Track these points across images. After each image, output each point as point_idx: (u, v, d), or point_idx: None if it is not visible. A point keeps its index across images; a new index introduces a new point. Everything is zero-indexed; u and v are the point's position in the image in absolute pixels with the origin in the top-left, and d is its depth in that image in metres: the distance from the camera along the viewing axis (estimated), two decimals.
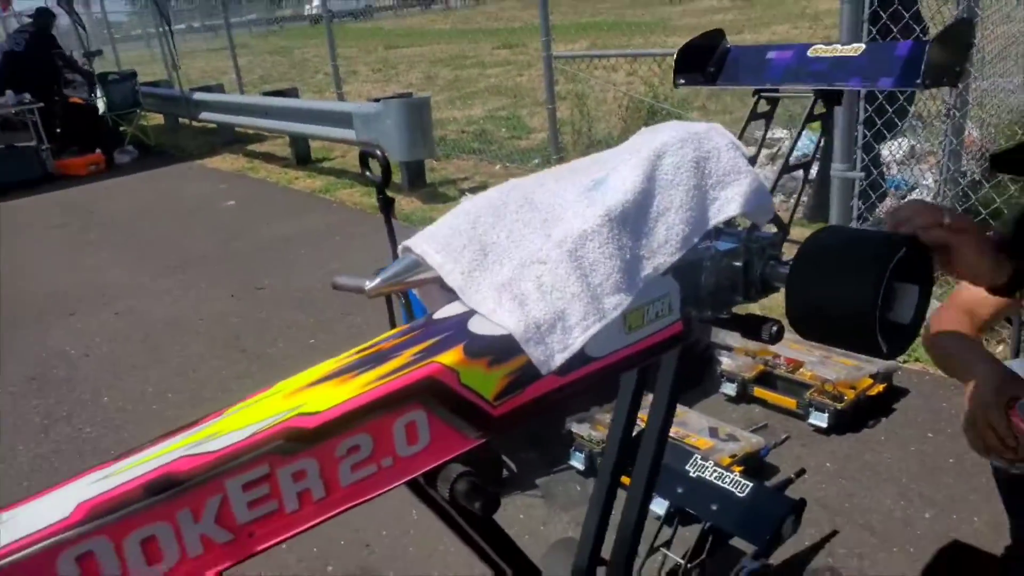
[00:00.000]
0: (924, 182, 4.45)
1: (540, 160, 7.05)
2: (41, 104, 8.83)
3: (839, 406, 2.70)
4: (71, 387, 3.80)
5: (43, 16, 9.73)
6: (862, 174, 3.63)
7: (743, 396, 2.96)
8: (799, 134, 1.25)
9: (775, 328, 1.00)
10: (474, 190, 6.57)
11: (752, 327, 1.01)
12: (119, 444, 3.21)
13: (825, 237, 0.94)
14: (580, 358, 0.87)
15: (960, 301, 1.49)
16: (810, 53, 1.19)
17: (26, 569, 0.58)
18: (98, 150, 9.33)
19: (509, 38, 14.84)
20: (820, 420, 2.72)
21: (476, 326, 0.84)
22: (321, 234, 5.81)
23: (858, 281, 0.89)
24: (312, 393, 0.75)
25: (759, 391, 2.92)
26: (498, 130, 8.80)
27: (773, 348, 3.06)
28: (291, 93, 8.87)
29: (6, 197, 8.16)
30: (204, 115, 9.59)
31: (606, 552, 1.22)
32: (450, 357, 0.78)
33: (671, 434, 2.47)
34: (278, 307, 4.49)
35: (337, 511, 0.73)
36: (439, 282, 0.96)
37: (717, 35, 1.30)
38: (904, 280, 0.93)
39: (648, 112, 6.46)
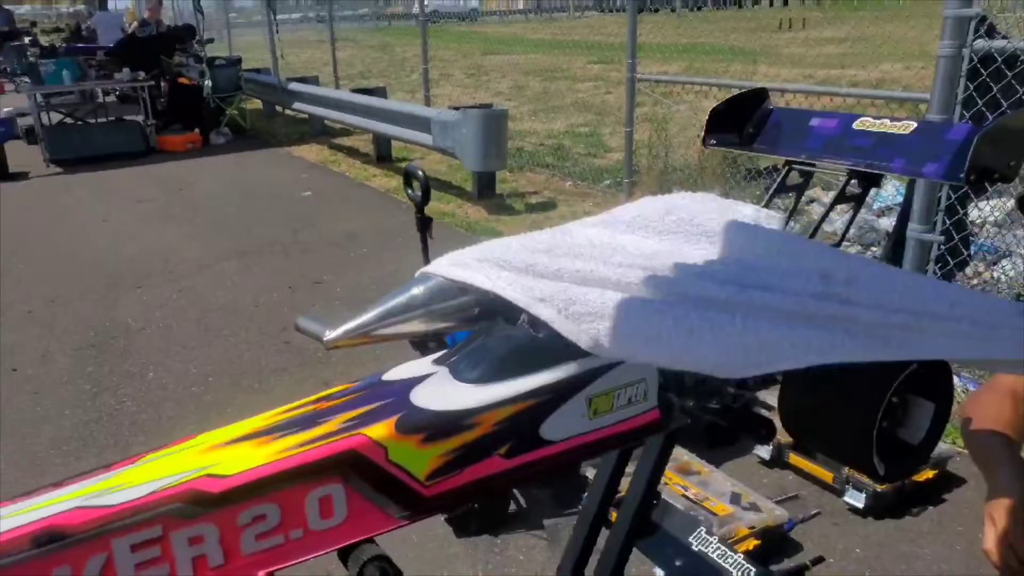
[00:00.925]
0: (1021, 250, 4.13)
1: (611, 182, 6.95)
2: (152, 82, 9.29)
3: (880, 487, 2.52)
4: (124, 359, 3.94)
5: (184, 30, 10.46)
6: (941, 238, 3.40)
7: (777, 461, 2.80)
8: (826, 213, 1.16)
9: (764, 431, 0.92)
10: (542, 205, 6.53)
11: (742, 423, 0.93)
12: (154, 421, 3.30)
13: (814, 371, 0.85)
14: (532, 440, 0.82)
15: (1004, 385, 1.34)
16: (856, 125, 1.10)
17: None
18: (197, 130, 9.74)
19: (605, 53, 14.74)
20: (857, 500, 2.55)
21: (419, 398, 0.79)
22: (387, 234, 5.87)
23: (857, 391, 0.80)
24: (227, 452, 0.72)
25: (795, 458, 2.76)
26: (576, 146, 8.73)
27: None
28: (379, 92, 9.04)
29: (109, 166, 8.60)
30: (297, 105, 9.88)
31: None
32: (379, 431, 0.73)
33: (690, 495, 2.37)
34: (332, 303, 4.56)
35: None
36: (408, 339, 0.92)
37: (760, 94, 1.22)
38: (919, 394, 0.83)
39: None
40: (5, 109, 10.32)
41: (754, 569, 1.71)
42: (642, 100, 6.37)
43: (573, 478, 2.59)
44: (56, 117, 9.34)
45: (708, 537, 1.82)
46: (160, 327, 4.32)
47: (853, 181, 1.12)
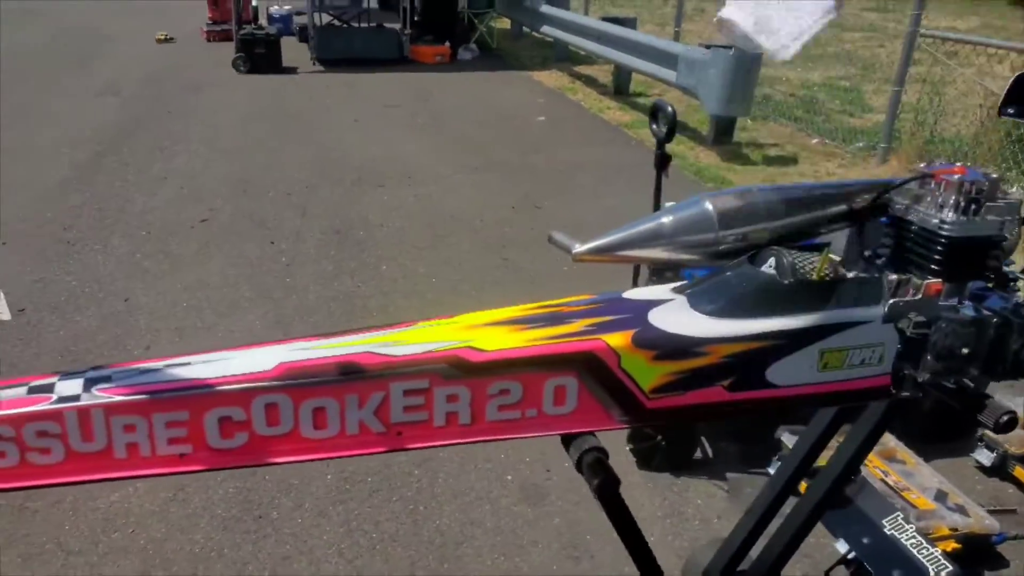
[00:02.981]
0: None
1: (864, 144, 6.40)
2: None
3: None
4: (362, 249, 4.36)
5: None
6: None
7: (1000, 470, 2.55)
8: None
9: (1006, 418, 0.87)
10: (781, 159, 6.20)
11: (977, 406, 0.88)
12: (382, 309, 3.66)
13: None
14: (757, 380, 0.84)
15: None
16: None
17: (230, 399, 0.75)
18: (447, 43, 10.21)
19: (884, 1, 13.35)
20: None
21: (656, 318, 0.85)
22: (612, 169, 5.88)
23: None
24: (486, 332, 0.83)
25: (1021, 470, 2.50)
26: (831, 101, 8.09)
27: None
28: (628, 23, 8.87)
29: (364, 69, 9.31)
30: (544, 28, 9.99)
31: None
32: (617, 339, 0.81)
33: (889, 481, 2.25)
34: (548, 228, 4.67)
35: (476, 439, 0.82)
36: (648, 264, 0.98)
37: None
38: None
39: (1014, 124, 5.50)
40: (286, 7, 11.45)
41: (950, 567, 1.62)
42: (920, 58, 5.75)
43: (766, 439, 2.54)
44: (326, 19, 10.19)
45: (905, 524, 1.75)
46: (396, 227, 4.71)
47: None
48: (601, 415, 0.84)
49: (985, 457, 2.57)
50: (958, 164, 0.92)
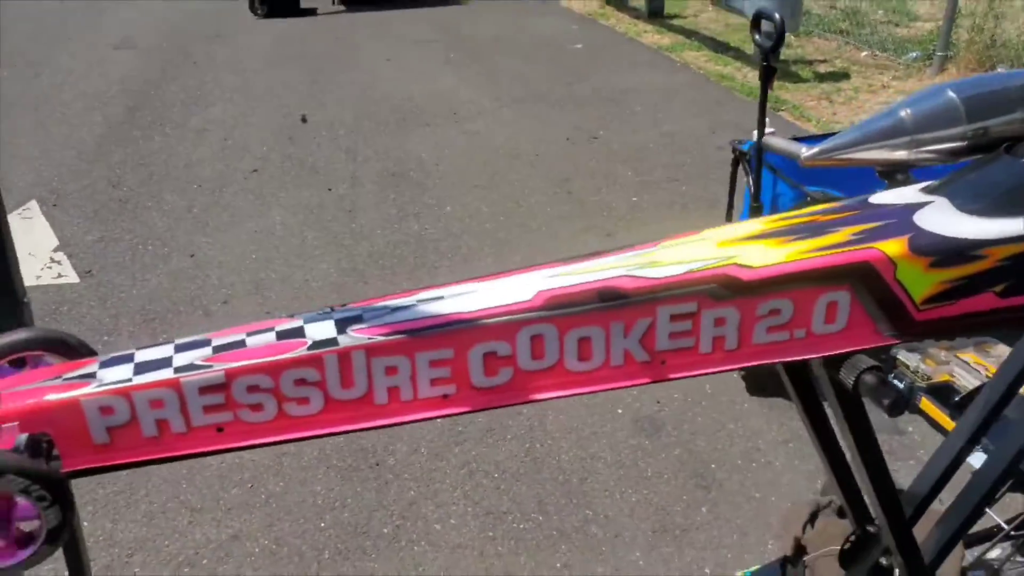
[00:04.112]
0: None
1: (918, 55, 6.15)
2: None
3: None
4: (422, 191, 4.27)
5: None
6: None
7: None
8: None
9: None
10: (833, 75, 5.99)
11: None
12: (455, 250, 3.59)
13: None
14: None
15: None
16: None
17: (494, 333, 0.68)
18: None
19: None
20: None
21: (925, 220, 0.78)
22: (661, 93, 5.71)
23: None
24: (748, 247, 0.75)
25: None
26: (874, 12, 7.77)
27: None
28: None
29: (386, 6, 9.04)
30: None
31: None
32: (893, 247, 0.74)
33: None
34: (608, 159, 4.58)
35: (742, 364, 0.75)
36: (878, 167, 0.89)
37: None
38: None
39: None
40: None
41: None
42: None
43: (879, 358, 2.48)
44: None
45: None
46: (451, 166, 4.60)
47: None
48: (870, 331, 0.77)
49: None
50: None
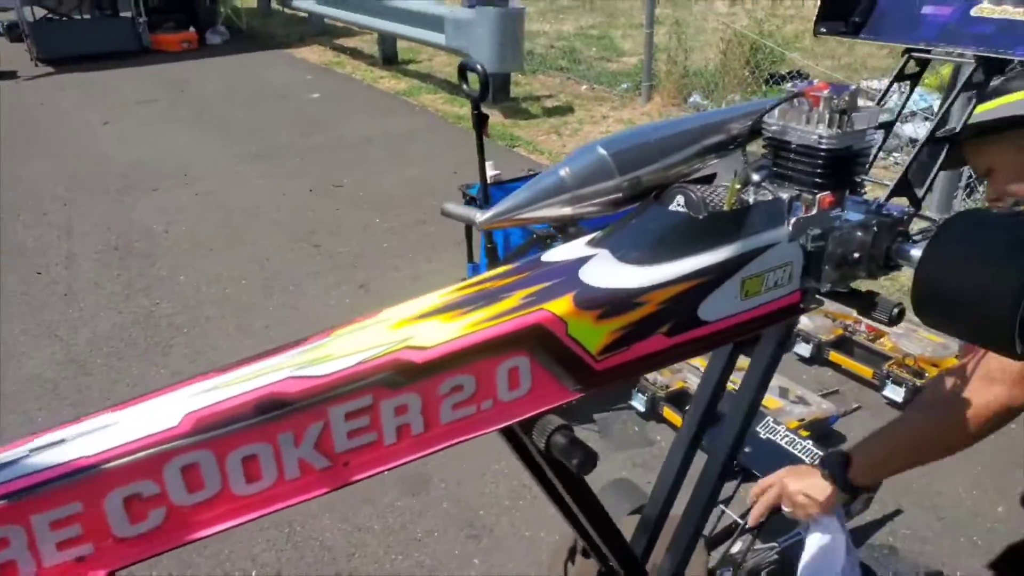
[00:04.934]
0: None
1: (630, 86, 6.80)
2: None
3: (918, 382, 2.59)
4: (151, 262, 3.92)
5: None
6: None
7: (817, 358, 2.86)
8: (948, 102, 1.13)
9: (897, 310, 0.93)
10: (559, 110, 6.41)
11: (871, 305, 0.94)
12: (193, 323, 3.32)
13: (970, 219, 0.86)
14: (691, 320, 0.83)
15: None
16: (973, 12, 1.06)
17: (135, 472, 0.58)
18: (192, 28, 9.38)
19: None
20: (896, 394, 2.61)
21: (589, 276, 0.81)
22: (402, 138, 5.76)
23: (1002, 268, 0.81)
24: (420, 326, 0.73)
25: (835, 356, 2.82)
26: (588, 49, 8.50)
27: (855, 313, 2.94)
28: None
29: (102, 67, 8.32)
30: (296, 3, 9.50)
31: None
32: (561, 306, 0.75)
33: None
34: (355, 207, 4.51)
35: (433, 449, 0.72)
36: (552, 223, 0.92)
37: None
38: None
39: (751, 49, 6.11)
40: None
41: (820, 453, 1.78)
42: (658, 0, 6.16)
43: None
44: (40, 13, 8.95)
45: (776, 426, 1.88)
46: (184, 231, 4.28)
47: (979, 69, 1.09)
48: (556, 389, 0.78)
49: (804, 349, 2.86)
50: (817, 81, 0.96)
